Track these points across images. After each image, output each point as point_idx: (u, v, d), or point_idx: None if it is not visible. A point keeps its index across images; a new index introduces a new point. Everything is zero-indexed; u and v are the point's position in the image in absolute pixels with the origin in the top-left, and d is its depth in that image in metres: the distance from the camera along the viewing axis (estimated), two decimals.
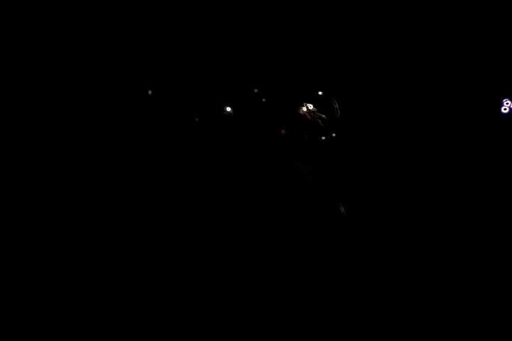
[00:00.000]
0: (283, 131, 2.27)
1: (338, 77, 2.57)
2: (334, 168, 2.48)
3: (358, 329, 2.23)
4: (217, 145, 2.57)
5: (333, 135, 2.36)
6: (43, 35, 2.59)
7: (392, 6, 2.59)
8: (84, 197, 2.55)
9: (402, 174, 2.46)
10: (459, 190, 2.41)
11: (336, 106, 2.42)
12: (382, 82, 2.58)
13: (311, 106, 2.41)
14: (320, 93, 2.43)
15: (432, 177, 2.44)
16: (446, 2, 2.57)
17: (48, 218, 2.49)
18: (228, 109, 2.48)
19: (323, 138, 2.36)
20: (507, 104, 2.56)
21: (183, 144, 2.61)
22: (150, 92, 2.57)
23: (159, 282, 2.40)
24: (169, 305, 2.34)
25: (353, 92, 2.53)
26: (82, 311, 2.35)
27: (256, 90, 2.47)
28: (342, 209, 2.29)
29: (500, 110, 2.57)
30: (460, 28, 2.56)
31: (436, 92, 2.60)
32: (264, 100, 2.49)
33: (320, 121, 2.39)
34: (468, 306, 2.25)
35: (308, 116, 2.37)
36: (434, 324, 2.21)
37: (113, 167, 2.60)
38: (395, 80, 2.55)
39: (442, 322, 2.20)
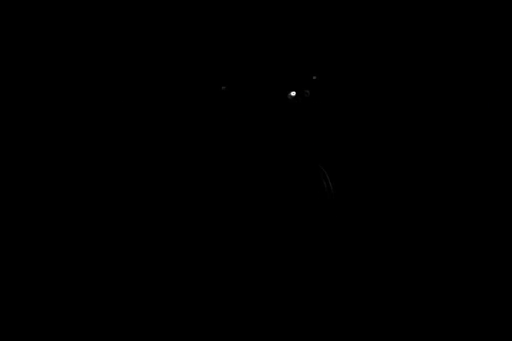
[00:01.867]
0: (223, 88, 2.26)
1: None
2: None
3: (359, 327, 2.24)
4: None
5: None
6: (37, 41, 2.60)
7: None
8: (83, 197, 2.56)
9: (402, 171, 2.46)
10: (458, 189, 2.41)
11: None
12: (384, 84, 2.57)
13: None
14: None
15: (433, 175, 2.44)
16: (451, 3, 2.56)
17: (46, 218, 2.50)
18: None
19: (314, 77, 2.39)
20: None
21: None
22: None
23: (159, 282, 2.41)
24: (169, 305, 2.34)
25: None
26: (82, 311, 2.35)
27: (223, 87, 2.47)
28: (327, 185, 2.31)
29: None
30: (465, 32, 2.56)
31: (439, 95, 2.60)
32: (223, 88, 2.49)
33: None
34: (468, 306, 2.25)
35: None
36: (434, 324, 2.22)
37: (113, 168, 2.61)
38: (396, 80, 2.54)
39: (442, 322, 2.22)
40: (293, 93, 2.42)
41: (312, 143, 2.51)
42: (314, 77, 2.44)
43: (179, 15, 2.57)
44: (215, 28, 2.53)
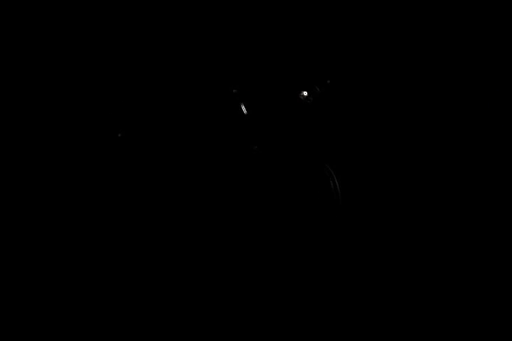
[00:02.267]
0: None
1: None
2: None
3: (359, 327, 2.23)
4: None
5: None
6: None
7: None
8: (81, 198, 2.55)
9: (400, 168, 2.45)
10: (460, 189, 2.40)
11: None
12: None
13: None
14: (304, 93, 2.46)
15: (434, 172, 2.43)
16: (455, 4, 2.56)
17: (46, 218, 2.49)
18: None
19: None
20: None
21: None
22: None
23: (160, 283, 2.40)
24: (169, 306, 2.34)
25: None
26: (82, 311, 2.35)
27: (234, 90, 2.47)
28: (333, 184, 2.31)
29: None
30: (465, 33, 2.55)
31: (441, 95, 2.58)
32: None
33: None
34: (468, 306, 2.24)
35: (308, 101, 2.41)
36: (434, 324, 2.21)
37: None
38: (400, 81, 2.54)
39: (442, 322, 2.21)
40: (305, 93, 2.43)
41: (319, 144, 2.51)
42: (328, 81, 2.45)
43: (192, 20, 2.58)
44: (227, 32, 2.54)
